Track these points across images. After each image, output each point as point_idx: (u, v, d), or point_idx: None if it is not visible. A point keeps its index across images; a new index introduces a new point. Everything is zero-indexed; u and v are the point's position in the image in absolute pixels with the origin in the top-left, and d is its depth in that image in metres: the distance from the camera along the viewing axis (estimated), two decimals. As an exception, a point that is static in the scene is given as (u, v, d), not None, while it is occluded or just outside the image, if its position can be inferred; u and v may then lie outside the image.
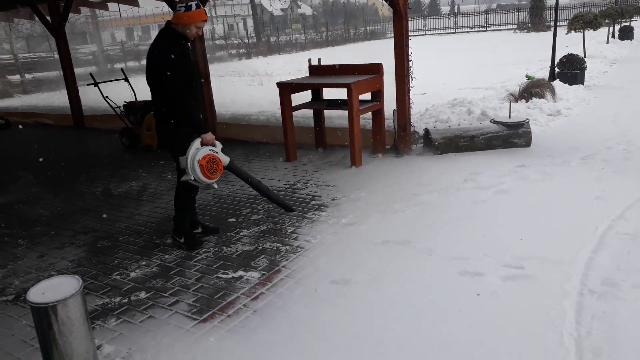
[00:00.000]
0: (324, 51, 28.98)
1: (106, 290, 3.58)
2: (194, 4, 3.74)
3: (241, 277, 3.62)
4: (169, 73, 3.68)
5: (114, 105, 8.01)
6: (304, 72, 7.34)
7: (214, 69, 9.13)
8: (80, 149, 8.90)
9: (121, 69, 8.86)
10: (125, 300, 3.42)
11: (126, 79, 8.25)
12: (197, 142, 3.84)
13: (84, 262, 4.08)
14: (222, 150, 4.03)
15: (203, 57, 7.98)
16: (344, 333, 2.86)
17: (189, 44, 3.99)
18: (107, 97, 7.92)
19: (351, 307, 3.11)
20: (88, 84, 8.22)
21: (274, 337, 2.88)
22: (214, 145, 3.94)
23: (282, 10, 64.08)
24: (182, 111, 3.78)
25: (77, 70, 10.52)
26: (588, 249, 3.57)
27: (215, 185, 4.02)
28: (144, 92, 8.25)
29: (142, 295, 3.47)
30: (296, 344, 2.80)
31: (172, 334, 2.98)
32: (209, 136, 3.90)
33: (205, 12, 3.89)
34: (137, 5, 10.94)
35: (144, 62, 4.11)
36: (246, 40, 34.32)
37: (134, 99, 8.06)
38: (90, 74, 8.29)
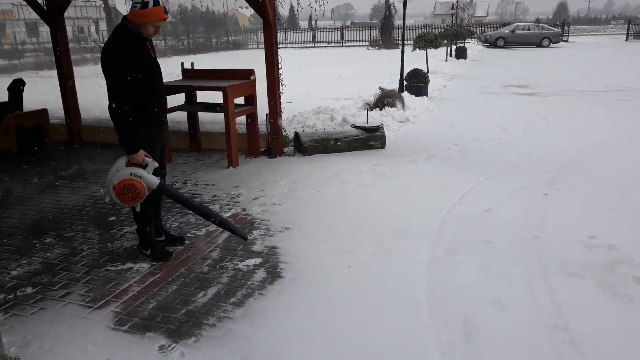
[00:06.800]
0: (186, 58, 28.42)
1: (-13, 289, 3.51)
2: (151, 0, 3.38)
3: (131, 268, 3.77)
4: (113, 75, 3.38)
5: (-36, 107, 7.40)
6: (174, 76, 7.48)
7: (77, 71, 8.82)
8: None
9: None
10: (11, 296, 3.40)
11: (-24, 79, 7.67)
12: (121, 161, 3.52)
13: (-46, 265, 3.90)
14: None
15: (67, 58, 7.72)
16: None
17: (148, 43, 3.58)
18: (-46, 97, 7.31)
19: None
20: None
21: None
22: (143, 167, 3.54)
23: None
24: (114, 122, 3.43)
25: None
26: (434, 228, 4.33)
27: (137, 208, 3.69)
28: (0, 94, 7.77)
29: (29, 290, 3.48)
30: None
31: (69, 322, 3.08)
32: (136, 158, 3.48)
33: (166, 9, 3.49)
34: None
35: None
36: (101, 44, 32.49)
37: (-12, 100, 7.53)
38: None
